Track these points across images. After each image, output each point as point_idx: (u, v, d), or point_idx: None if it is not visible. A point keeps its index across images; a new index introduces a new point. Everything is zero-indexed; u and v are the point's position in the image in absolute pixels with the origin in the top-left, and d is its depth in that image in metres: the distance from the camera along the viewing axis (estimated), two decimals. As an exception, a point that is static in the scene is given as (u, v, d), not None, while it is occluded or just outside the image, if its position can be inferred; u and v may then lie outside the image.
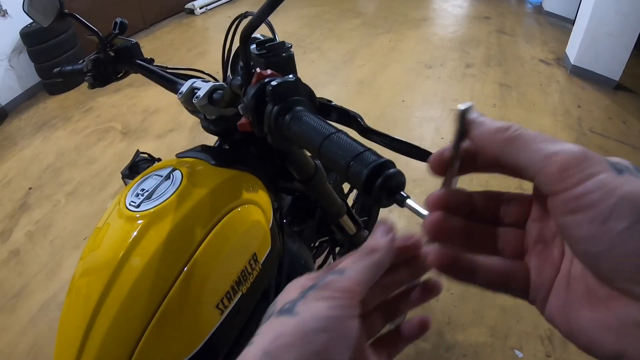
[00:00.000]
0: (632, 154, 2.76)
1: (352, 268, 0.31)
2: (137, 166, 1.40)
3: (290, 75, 0.49)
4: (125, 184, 1.40)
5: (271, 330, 0.28)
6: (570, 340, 0.26)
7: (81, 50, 3.70)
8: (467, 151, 0.31)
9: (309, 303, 0.29)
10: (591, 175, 0.23)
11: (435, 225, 0.31)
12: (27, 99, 3.59)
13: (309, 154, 0.85)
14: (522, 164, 0.26)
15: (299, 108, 0.47)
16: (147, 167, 1.37)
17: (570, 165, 0.23)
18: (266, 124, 0.48)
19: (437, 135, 2.87)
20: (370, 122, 0.52)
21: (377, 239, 0.32)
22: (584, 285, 0.25)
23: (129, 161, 1.41)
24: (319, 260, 1.52)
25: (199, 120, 0.82)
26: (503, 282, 0.30)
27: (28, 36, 3.35)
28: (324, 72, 3.75)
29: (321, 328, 0.27)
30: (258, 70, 0.51)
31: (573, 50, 3.74)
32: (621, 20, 3.27)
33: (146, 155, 1.44)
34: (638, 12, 3.19)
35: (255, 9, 0.54)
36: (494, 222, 0.33)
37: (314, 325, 0.27)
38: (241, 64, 0.56)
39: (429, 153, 0.45)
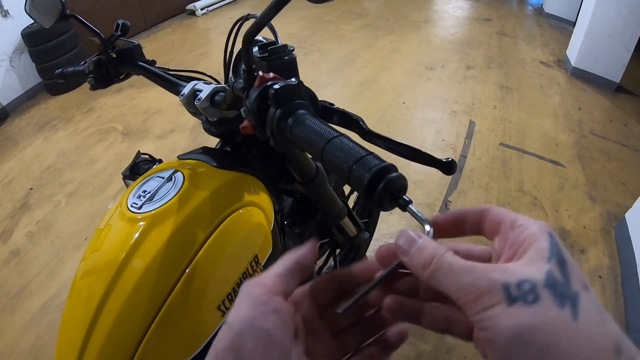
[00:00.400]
0: (632, 156, 2.77)
1: (272, 268, 0.33)
2: (138, 167, 1.40)
3: (293, 79, 0.50)
4: (126, 185, 1.40)
5: (215, 340, 0.30)
6: None
7: (83, 50, 3.70)
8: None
9: (235, 311, 0.31)
10: (485, 310, 0.26)
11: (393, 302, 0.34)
12: (28, 99, 3.60)
13: (310, 156, 0.85)
14: (446, 293, 0.29)
15: (301, 112, 0.47)
16: (148, 168, 1.38)
17: (473, 300, 0.26)
18: (268, 128, 0.48)
19: (438, 137, 2.87)
20: (371, 123, 0.52)
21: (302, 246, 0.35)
22: None
23: (129, 162, 1.41)
24: (320, 262, 1.53)
25: (199, 121, 0.82)
26: (447, 326, 0.33)
27: (29, 36, 3.35)
28: (325, 74, 3.75)
29: (245, 331, 0.29)
30: (260, 73, 0.51)
31: (574, 52, 3.75)
32: (622, 22, 3.28)
33: (147, 156, 1.44)
34: (638, 14, 3.20)
35: (256, 10, 0.54)
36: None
37: (239, 329, 0.29)
38: (243, 66, 0.56)
39: (432, 157, 0.45)
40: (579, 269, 0.27)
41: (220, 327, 0.31)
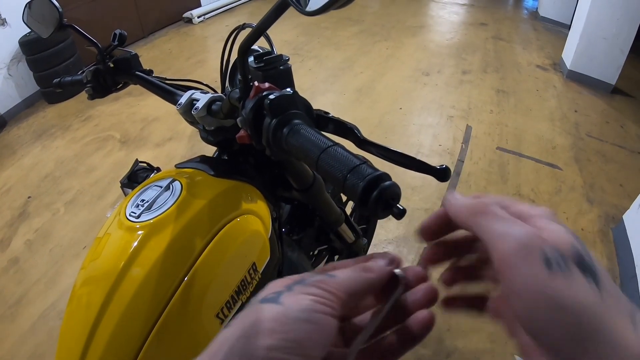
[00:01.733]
0: (629, 158, 2.78)
1: (342, 275, 0.32)
2: (136, 175, 1.40)
3: (288, 89, 0.50)
4: (125, 193, 1.41)
5: (251, 315, 0.29)
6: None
7: (80, 59, 3.71)
8: (442, 217, 0.35)
9: (294, 295, 0.30)
10: (524, 269, 0.27)
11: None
12: (26, 107, 3.60)
13: (307, 164, 0.85)
14: (483, 238, 0.30)
15: (296, 121, 0.47)
16: (146, 176, 1.38)
17: (510, 254, 0.28)
18: (264, 137, 0.49)
19: (435, 142, 2.89)
20: (368, 129, 0.53)
21: (376, 262, 0.34)
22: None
23: (128, 170, 1.41)
24: (318, 269, 1.52)
25: (197, 129, 0.82)
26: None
27: (27, 45, 3.36)
28: (321, 80, 3.77)
29: (304, 319, 0.28)
30: (256, 83, 0.51)
31: (569, 55, 3.77)
32: (616, 24, 3.31)
33: (145, 164, 1.44)
34: (633, 16, 3.23)
35: (253, 18, 0.55)
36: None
37: (297, 315, 0.28)
38: (239, 76, 0.57)
39: (426, 164, 0.46)
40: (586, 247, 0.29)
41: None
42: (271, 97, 0.48)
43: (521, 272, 0.27)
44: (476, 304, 0.35)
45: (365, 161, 0.39)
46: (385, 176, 0.37)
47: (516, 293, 0.27)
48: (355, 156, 0.40)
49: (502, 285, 0.29)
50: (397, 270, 0.34)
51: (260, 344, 0.27)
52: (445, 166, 0.46)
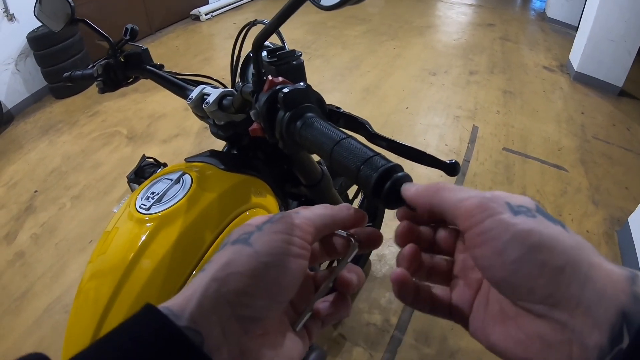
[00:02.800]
0: (636, 160, 2.76)
1: (308, 211, 0.34)
2: (143, 171, 1.41)
3: (301, 83, 0.51)
4: (131, 189, 1.41)
5: (223, 257, 0.29)
6: (492, 352, 0.30)
7: (88, 55, 3.73)
8: (406, 213, 0.36)
9: (264, 236, 0.30)
10: (490, 216, 0.28)
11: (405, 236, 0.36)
12: (33, 102, 3.62)
13: (315, 159, 0.86)
14: (444, 210, 0.31)
15: (309, 114, 0.48)
16: (153, 172, 1.39)
17: (474, 208, 0.28)
18: (278, 130, 0.49)
19: (441, 142, 2.88)
20: (376, 128, 0.53)
21: (344, 206, 0.36)
22: (498, 306, 0.30)
23: (134, 166, 1.42)
24: (324, 265, 1.53)
25: (204, 125, 0.83)
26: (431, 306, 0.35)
27: (35, 40, 3.37)
28: (328, 79, 3.77)
29: (273, 263, 0.29)
30: (270, 77, 0.52)
31: (576, 57, 3.75)
32: (624, 26, 3.29)
33: (152, 160, 1.45)
34: (641, 19, 3.21)
35: (259, 15, 0.55)
36: (430, 251, 0.37)
37: (267, 259, 0.29)
38: (252, 70, 0.57)
39: (435, 158, 0.46)
40: None
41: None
42: (285, 90, 0.48)
43: (488, 221, 0.27)
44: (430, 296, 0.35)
45: (378, 153, 0.39)
46: (398, 167, 0.37)
47: (487, 243, 0.27)
48: (369, 148, 0.40)
49: (467, 241, 0.29)
50: (344, 233, 0.37)
51: (230, 288, 0.28)
52: (455, 161, 0.46)
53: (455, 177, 2.51)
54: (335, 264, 0.38)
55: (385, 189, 0.36)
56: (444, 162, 0.46)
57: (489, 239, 0.27)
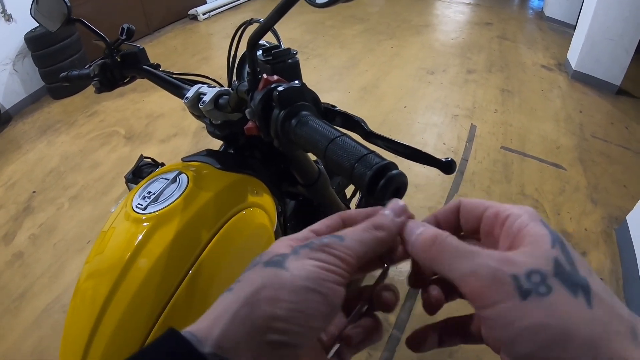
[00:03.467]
0: (634, 159, 2.77)
1: (352, 237, 0.30)
2: (141, 170, 1.41)
3: (296, 81, 0.51)
4: (129, 189, 1.41)
5: (255, 281, 0.27)
6: None
7: (85, 55, 3.73)
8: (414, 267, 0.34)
9: (301, 260, 0.28)
10: (499, 302, 0.25)
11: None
12: (31, 103, 3.62)
13: (313, 158, 0.86)
14: (450, 279, 0.28)
15: (304, 113, 0.48)
16: (151, 172, 1.38)
17: (482, 290, 0.25)
18: (273, 128, 0.49)
19: (439, 141, 2.88)
20: (373, 127, 0.53)
21: (386, 218, 0.32)
22: None
23: (132, 165, 1.42)
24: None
25: (202, 125, 0.83)
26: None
27: (32, 41, 3.37)
28: (326, 78, 3.77)
29: (310, 288, 0.27)
30: (265, 76, 0.52)
31: (574, 56, 3.76)
32: (622, 25, 3.29)
33: (150, 160, 1.45)
34: (638, 17, 3.21)
35: (257, 15, 0.55)
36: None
37: (303, 283, 0.27)
38: (247, 69, 0.57)
39: (431, 157, 0.46)
40: (578, 253, 0.26)
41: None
42: (280, 89, 0.48)
43: (494, 309, 0.25)
44: (454, 331, 0.34)
45: (373, 151, 0.39)
46: (392, 165, 0.37)
47: (494, 329, 0.25)
48: (363, 146, 0.40)
49: (481, 324, 0.27)
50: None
51: (263, 313, 0.26)
52: (451, 159, 0.46)
53: (453, 175, 2.51)
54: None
55: (379, 186, 0.36)
56: (440, 160, 0.46)
57: (499, 327, 0.25)
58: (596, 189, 2.49)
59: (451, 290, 0.33)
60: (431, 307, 0.32)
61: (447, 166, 0.46)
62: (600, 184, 2.53)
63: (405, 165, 0.51)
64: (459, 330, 0.33)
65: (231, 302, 0.27)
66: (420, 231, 0.30)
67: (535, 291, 0.24)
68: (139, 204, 0.68)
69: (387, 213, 0.32)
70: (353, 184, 0.40)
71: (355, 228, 0.31)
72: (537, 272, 0.24)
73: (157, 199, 0.68)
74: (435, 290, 0.32)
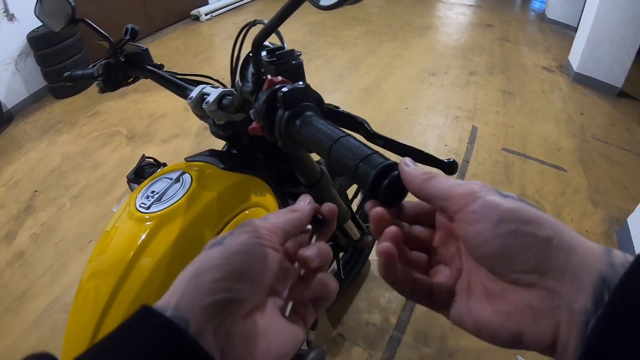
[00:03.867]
0: (635, 161, 2.77)
1: (275, 217, 0.38)
2: (143, 170, 1.41)
3: (300, 82, 0.51)
4: (131, 188, 1.41)
5: (201, 258, 0.33)
6: (477, 335, 0.32)
7: (88, 54, 3.73)
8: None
9: (235, 236, 0.34)
10: (481, 197, 0.31)
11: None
12: (33, 102, 3.62)
13: (315, 158, 0.86)
14: (435, 196, 0.34)
15: (308, 113, 0.48)
16: (153, 172, 1.39)
17: (466, 192, 0.32)
18: (277, 129, 0.49)
19: (440, 142, 2.89)
20: (375, 128, 0.54)
21: (299, 203, 0.40)
22: (482, 287, 0.32)
23: (134, 165, 1.42)
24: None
25: (204, 126, 0.83)
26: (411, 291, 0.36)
27: (35, 40, 3.37)
28: (328, 79, 3.77)
29: (243, 251, 0.33)
30: (269, 77, 0.52)
31: (576, 58, 3.76)
32: (624, 27, 3.29)
33: (152, 160, 1.45)
34: (640, 20, 3.21)
35: (259, 16, 0.55)
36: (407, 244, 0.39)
37: (237, 249, 0.33)
38: (252, 70, 0.57)
39: (433, 157, 0.47)
40: None
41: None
42: (284, 89, 0.49)
43: (479, 201, 0.31)
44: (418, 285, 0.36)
45: (377, 151, 0.39)
46: (396, 165, 0.37)
47: (476, 220, 0.30)
48: (367, 146, 0.40)
49: (458, 222, 0.32)
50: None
51: (208, 278, 0.31)
52: (453, 160, 0.46)
53: (455, 176, 2.51)
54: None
55: (383, 186, 0.37)
56: (442, 161, 0.46)
57: (482, 216, 0.30)
58: (597, 190, 2.49)
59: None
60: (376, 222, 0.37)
61: (449, 167, 0.46)
62: (601, 186, 2.53)
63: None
64: (422, 287, 0.36)
65: (184, 277, 0.32)
66: (415, 165, 0.37)
67: (511, 197, 0.31)
68: (142, 203, 0.69)
69: (301, 203, 0.40)
70: (357, 184, 0.40)
71: (275, 213, 0.39)
72: (509, 194, 0.32)
73: (161, 199, 0.69)
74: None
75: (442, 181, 0.34)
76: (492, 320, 0.30)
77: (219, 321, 0.30)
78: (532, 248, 0.28)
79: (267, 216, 0.38)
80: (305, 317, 0.37)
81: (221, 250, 0.33)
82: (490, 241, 0.30)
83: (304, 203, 0.40)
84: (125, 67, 0.96)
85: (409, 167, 0.36)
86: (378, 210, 0.37)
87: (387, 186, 0.36)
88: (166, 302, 0.30)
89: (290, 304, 0.36)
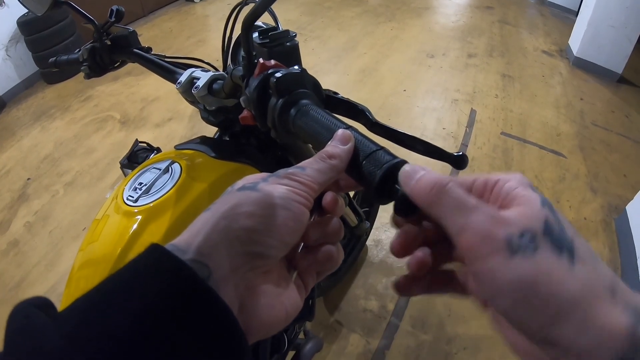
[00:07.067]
0: (634, 148, 2.75)
1: (311, 167, 0.34)
2: (136, 155, 1.38)
3: (296, 67, 0.47)
4: (124, 174, 1.38)
5: (231, 200, 0.30)
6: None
7: (80, 38, 3.64)
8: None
9: (271, 185, 0.32)
10: (487, 256, 0.26)
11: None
12: (25, 88, 3.55)
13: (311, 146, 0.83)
14: (444, 226, 0.29)
15: (305, 102, 0.44)
16: (146, 157, 1.36)
17: (474, 243, 0.27)
18: (270, 118, 0.46)
19: (439, 126, 2.85)
20: (372, 111, 0.49)
21: (336, 147, 0.36)
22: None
23: (127, 150, 1.39)
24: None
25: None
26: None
27: (25, 25, 3.29)
28: (324, 61, 3.71)
29: (282, 205, 0.30)
30: (261, 60, 0.48)
31: (576, 42, 3.71)
32: (625, 12, 3.24)
33: (145, 145, 1.42)
34: (642, 5, 3.16)
35: (255, -4, 0.51)
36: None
37: (277, 201, 0.30)
38: (243, 53, 0.53)
39: (442, 150, 0.43)
40: (564, 216, 0.29)
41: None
42: (277, 75, 0.44)
43: (484, 263, 0.26)
44: (443, 281, 0.34)
45: (383, 147, 0.36)
46: (404, 164, 0.34)
47: (482, 282, 0.27)
48: (371, 141, 0.37)
49: (470, 274, 0.29)
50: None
51: (243, 225, 0.28)
52: (462, 153, 0.42)
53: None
54: None
55: (390, 188, 0.33)
56: (451, 155, 0.42)
57: (486, 280, 0.27)
58: (596, 177, 2.47)
59: (440, 256, 0.34)
60: (416, 268, 0.33)
61: (458, 160, 0.42)
62: (600, 173, 2.51)
63: (413, 157, 0.48)
64: (447, 281, 0.34)
65: (210, 216, 0.29)
66: (421, 175, 0.31)
67: (524, 249, 0.26)
68: (129, 195, 0.66)
69: (335, 143, 0.36)
70: (360, 184, 0.37)
71: (312, 159, 0.35)
72: (528, 231, 0.26)
73: (149, 191, 0.66)
74: (421, 252, 0.33)
75: (452, 207, 0.29)
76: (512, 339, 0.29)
77: (243, 273, 0.28)
78: (533, 323, 0.26)
79: (304, 165, 0.34)
80: (307, 282, 0.36)
81: (257, 197, 0.30)
82: (493, 305, 0.27)
83: (342, 146, 0.36)
84: (111, 51, 0.92)
85: (413, 177, 0.31)
86: (419, 255, 0.32)
87: (398, 209, 0.33)
88: (186, 243, 0.27)
89: (296, 272, 0.35)
